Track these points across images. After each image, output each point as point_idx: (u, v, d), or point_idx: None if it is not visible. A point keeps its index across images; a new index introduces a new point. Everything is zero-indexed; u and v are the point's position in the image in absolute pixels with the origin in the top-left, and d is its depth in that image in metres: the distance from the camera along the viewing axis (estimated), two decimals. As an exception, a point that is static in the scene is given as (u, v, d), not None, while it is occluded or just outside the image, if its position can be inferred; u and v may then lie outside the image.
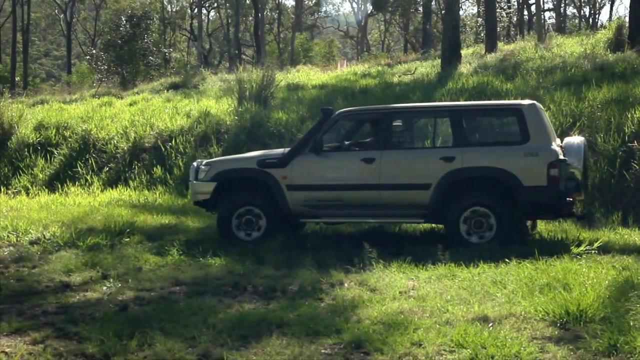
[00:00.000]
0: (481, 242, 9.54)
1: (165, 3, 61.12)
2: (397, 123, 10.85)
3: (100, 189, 15.77)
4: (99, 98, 27.96)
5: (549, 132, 10.01)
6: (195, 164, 11.13)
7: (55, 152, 17.93)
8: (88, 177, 16.55)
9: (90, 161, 17.10)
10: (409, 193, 10.07)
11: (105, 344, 5.60)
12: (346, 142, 11.03)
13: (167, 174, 15.91)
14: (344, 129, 11.50)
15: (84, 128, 18.56)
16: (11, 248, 9.90)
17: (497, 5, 38.81)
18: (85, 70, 49.45)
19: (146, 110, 20.29)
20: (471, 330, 5.64)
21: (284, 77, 24.26)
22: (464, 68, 21.16)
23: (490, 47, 25.16)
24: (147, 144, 17.31)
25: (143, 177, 16.08)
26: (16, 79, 51.84)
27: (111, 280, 7.83)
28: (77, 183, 16.39)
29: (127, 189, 15.41)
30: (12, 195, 15.89)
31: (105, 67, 40.47)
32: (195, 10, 58.34)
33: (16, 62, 55.70)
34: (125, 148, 17.27)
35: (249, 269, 8.29)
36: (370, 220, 10.81)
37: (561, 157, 9.68)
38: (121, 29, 41.91)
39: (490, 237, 9.63)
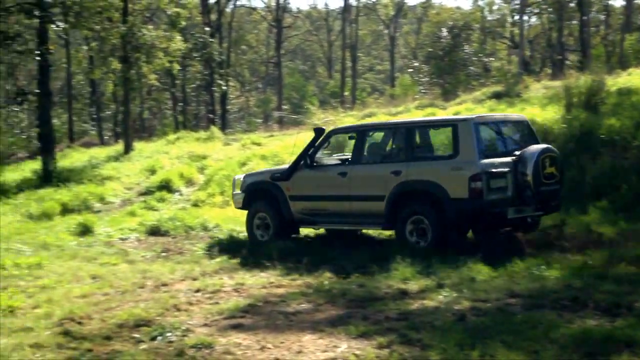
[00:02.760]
0: (423, 247, 10.57)
1: (485, 12, 61.14)
2: (365, 139, 12.00)
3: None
4: (422, 109, 28.64)
5: (481, 146, 10.55)
6: (235, 177, 13.80)
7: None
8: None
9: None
10: (370, 203, 11.34)
11: (447, 352, 5.72)
12: (329, 158, 12.76)
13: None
14: (338, 145, 13.28)
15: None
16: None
17: None
18: (407, 83, 50.97)
19: (470, 120, 20.34)
20: None
21: (614, 82, 22.97)
22: None
23: None
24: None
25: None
26: (345, 94, 55.00)
27: (447, 289, 7.97)
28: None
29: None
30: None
31: (427, 78, 41.39)
32: (516, 17, 57.55)
33: (345, 78, 59.07)
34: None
35: (588, 283, 7.95)
36: (346, 228, 12.21)
37: (494, 170, 10.33)
38: (442, 40, 42.64)
39: (427, 242, 10.63)
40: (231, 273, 9.85)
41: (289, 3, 74.23)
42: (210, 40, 47.97)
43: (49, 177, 24.29)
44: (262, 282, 9.16)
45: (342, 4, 64.48)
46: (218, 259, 10.85)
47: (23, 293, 9.07)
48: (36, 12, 24.63)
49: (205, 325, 7.28)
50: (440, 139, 12.05)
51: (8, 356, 6.20)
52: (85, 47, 49.05)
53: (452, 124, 11.17)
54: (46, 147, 26.57)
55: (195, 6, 50.12)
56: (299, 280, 9.14)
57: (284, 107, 56.55)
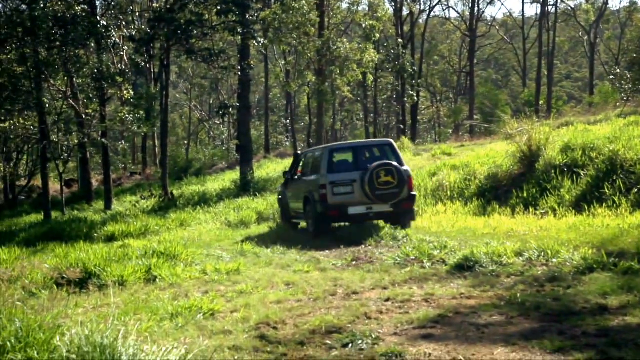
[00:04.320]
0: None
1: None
2: (308, 159, 17.58)
3: (629, 211, 15.18)
4: (624, 118, 27.24)
5: (332, 166, 15.99)
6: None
7: (581, 173, 17.82)
8: (616, 199, 16.06)
9: (617, 182, 16.59)
10: (301, 203, 16.84)
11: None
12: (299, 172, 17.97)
13: None
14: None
15: (610, 149, 18.08)
16: (544, 267, 10.13)
17: None
18: (608, 90, 48.71)
19: (675, 129, 19.05)
20: None
21: None
22: None
23: None
24: (679, 164, 16.20)
25: (676, 199, 15.07)
26: (539, 103, 53.42)
27: (650, 306, 7.49)
28: (604, 204, 16.04)
29: (659, 212, 14.58)
30: (540, 216, 16.28)
31: (630, 85, 39.28)
32: None
33: (540, 86, 57.37)
34: (656, 169, 16.40)
35: None
36: (304, 221, 17.35)
37: (337, 180, 15.65)
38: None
39: (312, 230, 16.18)
40: (421, 283, 9.81)
41: (483, 12, 73.72)
42: (403, 51, 48.27)
43: (246, 187, 25.46)
44: (452, 292, 9.04)
45: (539, 10, 62.66)
46: (407, 269, 10.84)
47: (222, 297, 9.52)
48: (239, 29, 25.89)
49: (396, 334, 7.29)
50: (318, 162, 16.71)
51: (210, 357, 6.50)
52: (282, 62, 50.96)
53: (321, 151, 16.71)
54: (244, 158, 27.85)
55: (389, 18, 50.64)
56: (490, 292, 8.93)
57: (476, 116, 55.78)
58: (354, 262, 12.02)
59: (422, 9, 61.03)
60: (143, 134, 44.48)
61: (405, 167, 15.89)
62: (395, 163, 15.54)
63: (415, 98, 51.69)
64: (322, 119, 37.70)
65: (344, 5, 48.74)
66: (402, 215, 15.71)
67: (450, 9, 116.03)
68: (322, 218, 15.79)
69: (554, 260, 10.46)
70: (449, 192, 20.19)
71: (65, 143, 28.39)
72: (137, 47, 27.59)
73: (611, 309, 7.58)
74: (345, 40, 37.68)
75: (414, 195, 16.26)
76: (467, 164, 22.04)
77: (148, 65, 40.29)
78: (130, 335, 6.00)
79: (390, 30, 55.14)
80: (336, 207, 15.50)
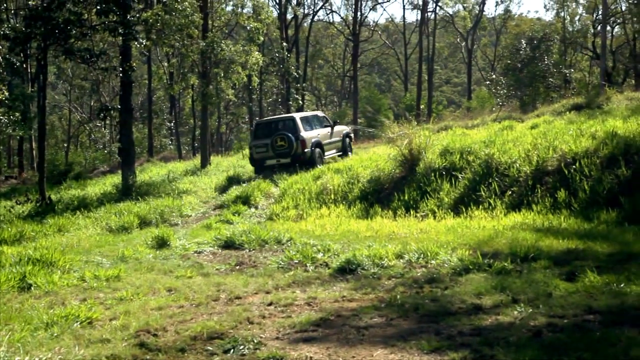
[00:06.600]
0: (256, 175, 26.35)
1: (567, 23, 59.97)
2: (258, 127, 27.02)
3: (503, 213, 15.76)
4: (499, 122, 28.32)
5: (257, 133, 26.28)
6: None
7: (459, 176, 18.36)
8: (491, 201, 16.64)
9: (493, 185, 17.19)
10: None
11: (522, 370, 5.57)
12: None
13: (572, 198, 15.42)
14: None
15: (486, 152, 18.72)
16: (423, 269, 10.39)
17: None
18: (484, 95, 50.51)
19: (548, 133, 19.93)
20: None
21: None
22: None
23: None
24: (550, 167, 16.93)
25: (547, 200, 15.74)
26: (420, 107, 54.76)
27: (522, 304, 7.79)
28: (480, 206, 16.58)
29: (530, 213, 15.19)
30: (421, 218, 16.66)
31: (505, 91, 40.85)
32: (599, 28, 56.26)
33: (421, 91, 58.82)
34: (528, 171, 17.07)
35: (672, 300, 7.65)
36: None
37: (257, 143, 25.79)
38: (521, 52, 42.07)
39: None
40: (304, 286, 9.86)
41: (366, 17, 75.09)
42: (287, 54, 48.45)
43: (128, 191, 24.88)
44: (334, 295, 9.13)
45: (419, 17, 64.23)
46: (291, 273, 10.87)
47: (101, 305, 9.28)
48: (120, 30, 25.26)
49: (277, 338, 7.31)
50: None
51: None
52: (165, 64, 50.19)
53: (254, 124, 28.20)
54: (126, 161, 27.24)
55: (273, 21, 50.67)
56: (371, 294, 9.08)
57: (359, 120, 56.62)
58: (237, 267, 11.94)
59: (306, 12, 61.47)
60: (19, 137, 42.82)
61: (299, 134, 24.96)
62: (289, 134, 24.88)
63: (300, 101, 51.98)
64: (206, 122, 37.35)
65: (229, 8, 48.50)
66: (299, 163, 24.76)
67: (334, 13, 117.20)
68: (253, 166, 26.42)
69: (433, 261, 10.74)
70: (332, 196, 20.35)
71: None
72: (12, 46, 26.46)
73: (485, 309, 7.85)
74: (229, 42, 37.44)
75: (306, 152, 25.03)
76: (351, 168, 22.32)
77: (24, 65, 38.85)
78: (1, 346, 5.76)
79: (275, 34, 55.32)
80: (258, 160, 25.82)
